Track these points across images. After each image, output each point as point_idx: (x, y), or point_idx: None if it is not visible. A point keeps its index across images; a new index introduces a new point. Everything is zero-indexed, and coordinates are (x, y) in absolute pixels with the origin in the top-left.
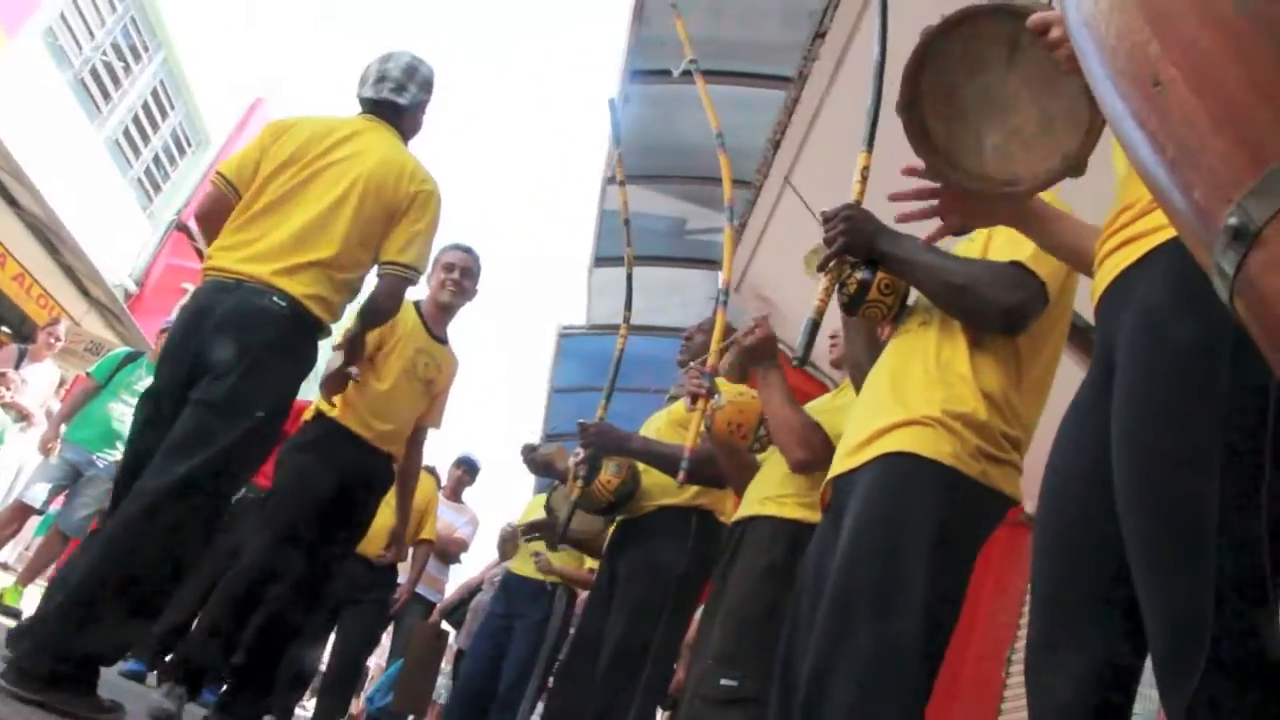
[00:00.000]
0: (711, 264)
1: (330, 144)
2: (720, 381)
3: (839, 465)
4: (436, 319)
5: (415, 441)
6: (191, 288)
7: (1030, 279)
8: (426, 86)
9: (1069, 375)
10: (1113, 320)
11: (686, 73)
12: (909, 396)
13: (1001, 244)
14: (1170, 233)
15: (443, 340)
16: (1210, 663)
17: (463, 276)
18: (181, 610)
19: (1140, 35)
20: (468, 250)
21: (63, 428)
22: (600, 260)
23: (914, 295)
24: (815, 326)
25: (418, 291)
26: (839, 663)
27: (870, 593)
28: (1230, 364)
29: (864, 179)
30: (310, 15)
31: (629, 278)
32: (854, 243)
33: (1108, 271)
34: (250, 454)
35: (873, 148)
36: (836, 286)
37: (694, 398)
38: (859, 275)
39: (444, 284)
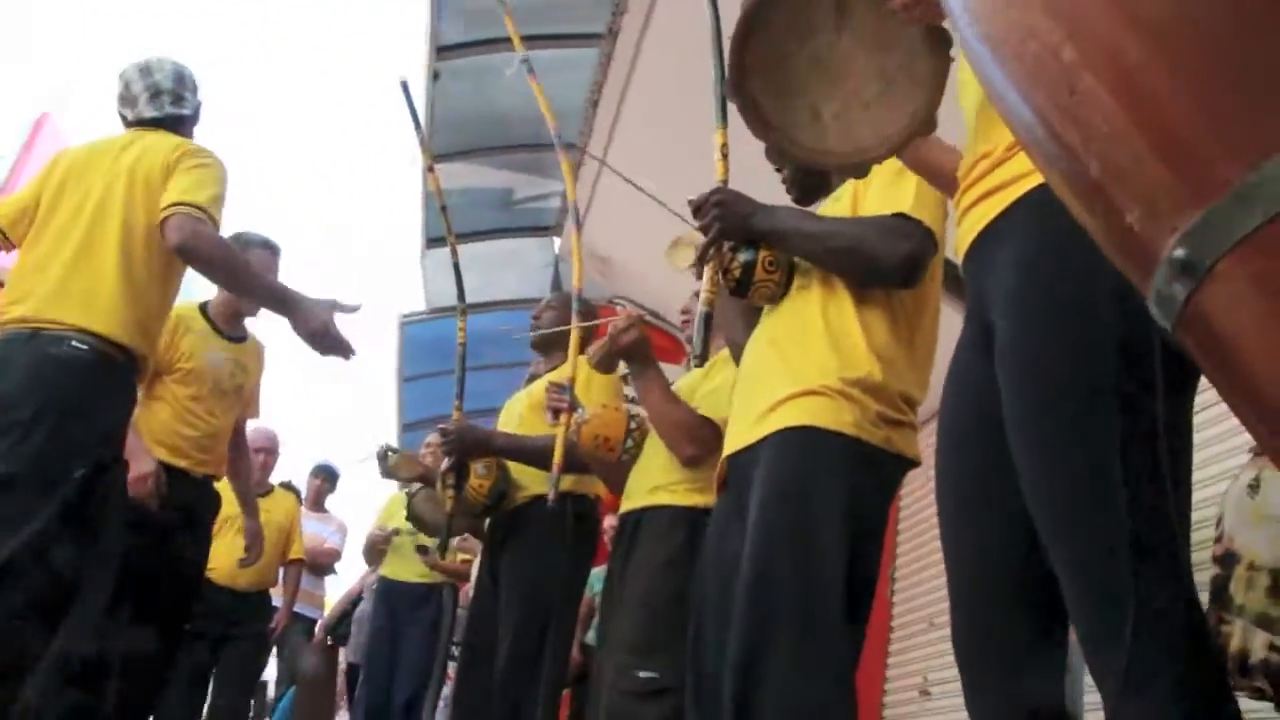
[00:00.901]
0: (544, 230)
1: (98, 165)
2: (585, 375)
3: (734, 441)
4: (231, 320)
5: (237, 437)
6: None
7: (916, 226)
8: (196, 88)
9: (947, 320)
10: (983, 277)
11: (524, 65)
12: (800, 364)
13: (875, 197)
14: (1033, 181)
15: (241, 339)
16: (1136, 631)
17: None
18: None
19: (1050, 37)
20: (276, 250)
21: None
22: (432, 241)
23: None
24: (709, 319)
25: (206, 291)
26: (766, 652)
27: (788, 577)
28: (1113, 314)
29: (724, 156)
30: (97, 17)
31: (456, 269)
32: (729, 227)
33: (971, 226)
34: (84, 515)
35: (726, 122)
36: (720, 274)
37: (555, 413)
38: (741, 258)
39: None
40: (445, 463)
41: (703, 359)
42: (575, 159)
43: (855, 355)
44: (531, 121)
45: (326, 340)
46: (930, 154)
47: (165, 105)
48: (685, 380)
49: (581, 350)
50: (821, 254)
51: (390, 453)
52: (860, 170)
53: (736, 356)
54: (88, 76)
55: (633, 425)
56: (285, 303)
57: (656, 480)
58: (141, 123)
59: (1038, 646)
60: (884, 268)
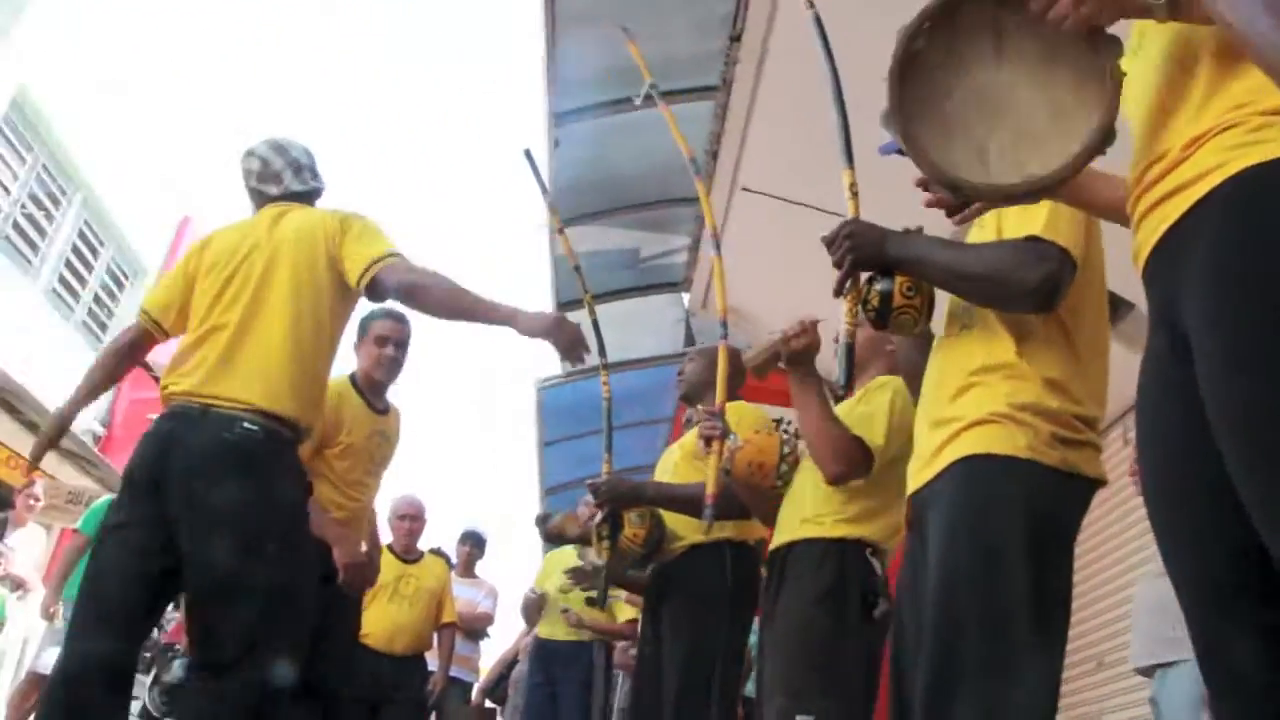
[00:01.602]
0: (672, 286)
1: (254, 241)
2: (734, 411)
3: (914, 480)
4: (375, 391)
5: None
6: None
7: (1050, 249)
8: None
9: None
10: (1169, 281)
11: (649, 97)
12: (968, 401)
13: (1013, 222)
14: (1218, 177)
15: (384, 411)
16: None
17: (397, 350)
18: None
19: None
20: (399, 319)
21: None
22: (562, 305)
23: (945, 301)
24: (850, 351)
25: (346, 362)
26: (956, 689)
27: (970, 612)
28: None
29: (854, 195)
30: (224, 125)
31: (595, 325)
32: (863, 257)
33: (1151, 230)
34: (297, 589)
35: (852, 162)
36: (860, 306)
37: (707, 440)
38: (878, 288)
39: (379, 361)
40: (598, 515)
41: (848, 389)
42: (697, 227)
43: (1023, 384)
44: (652, 179)
45: (564, 336)
46: (1109, 190)
47: (308, 180)
48: (842, 407)
49: (730, 393)
50: (954, 282)
51: (550, 515)
52: (1033, 199)
53: (915, 389)
54: (225, 174)
55: (786, 450)
56: (511, 315)
57: (805, 513)
58: (286, 196)
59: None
60: (1018, 295)
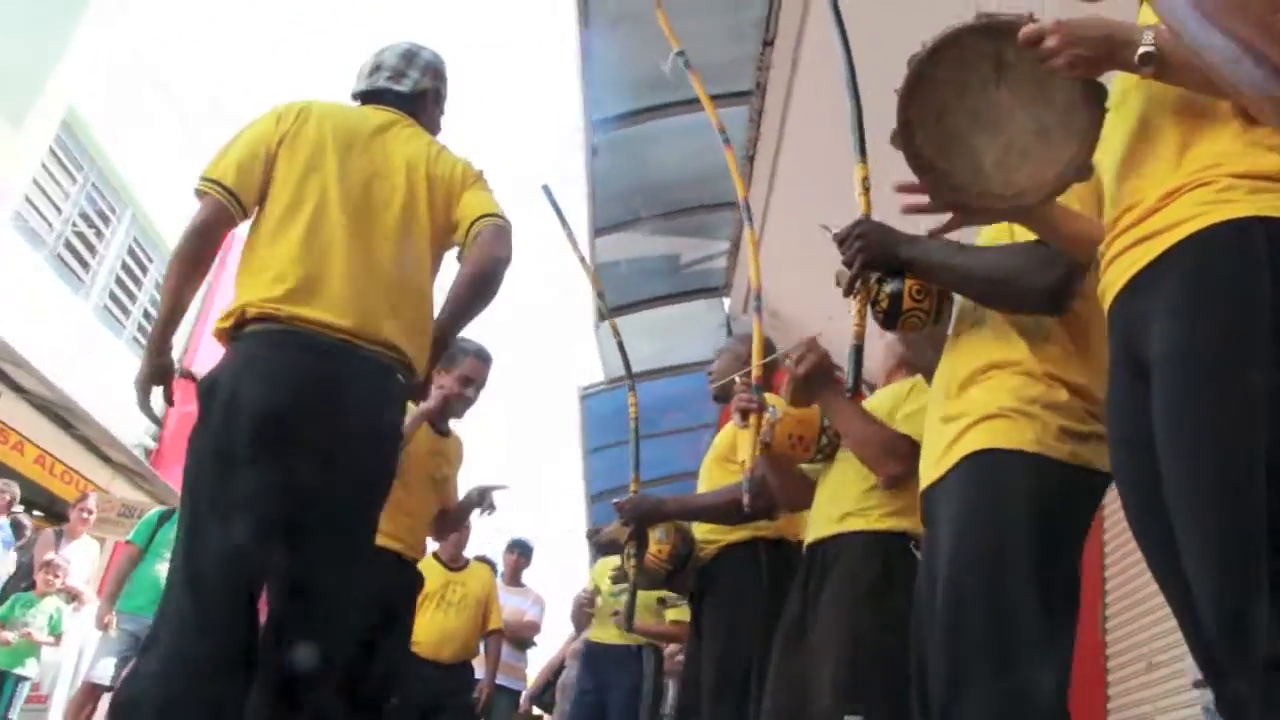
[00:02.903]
0: (713, 291)
1: (373, 136)
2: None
3: (926, 477)
4: (441, 416)
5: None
6: None
7: (1060, 254)
8: (433, 73)
9: None
10: (1134, 320)
11: (680, 59)
12: (976, 396)
13: (1024, 227)
14: (1184, 231)
15: (446, 433)
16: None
17: (477, 392)
18: None
19: None
20: (488, 360)
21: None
22: (602, 316)
23: (957, 300)
24: (859, 353)
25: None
26: (965, 690)
27: (979, 609)
28: (1271, 350)
29: (866, 190)
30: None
31: (620, 345)
32: (874, 258)
33: (1121, 271)
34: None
35: (866, 156)
36: (869, 306)
37: (744, 414)
38: (888, 289)
39: (460, 397)
40: (625, 533)
41: (855, 391)
42: (736, 230)
43: (1031, 380)
44: (690, 185)
45: None
46: (1079, 226)
47: (380, 80)
48: (879, 401)
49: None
50: (967, 285)
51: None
52: (1018, 214)
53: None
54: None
55: (826, 422)
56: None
57: (846, 507)
58: (357, 98)
59: None
60: (1031, 299)
